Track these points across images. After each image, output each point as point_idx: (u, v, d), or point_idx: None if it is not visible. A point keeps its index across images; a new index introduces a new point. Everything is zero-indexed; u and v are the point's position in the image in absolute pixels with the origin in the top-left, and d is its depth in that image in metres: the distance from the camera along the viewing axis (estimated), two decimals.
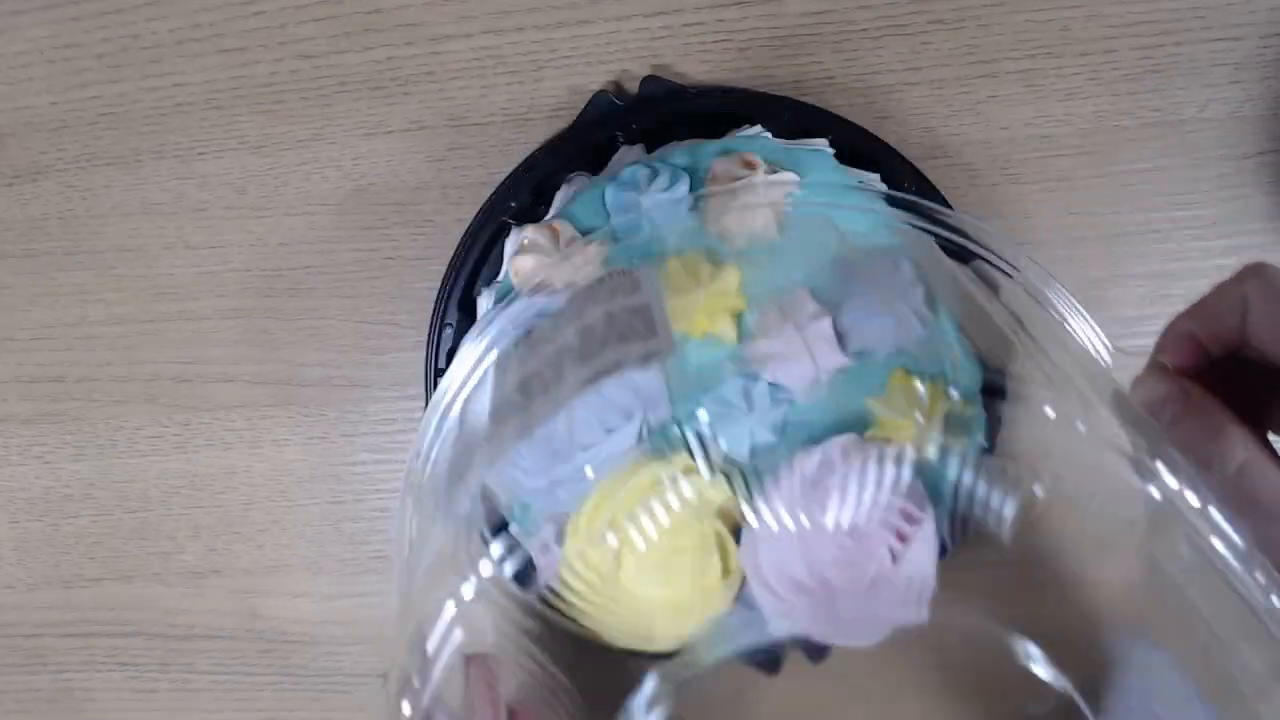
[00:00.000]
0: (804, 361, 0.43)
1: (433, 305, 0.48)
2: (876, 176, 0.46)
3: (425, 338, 0.48)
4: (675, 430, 0.45)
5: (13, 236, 0.52)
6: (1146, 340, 0.49)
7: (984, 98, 0.48)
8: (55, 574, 0.53)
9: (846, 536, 0.42)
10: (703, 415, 0.44)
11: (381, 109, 0.50)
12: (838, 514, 0.42)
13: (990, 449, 0.46)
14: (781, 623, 0.42)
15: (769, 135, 0.45)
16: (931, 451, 0.44)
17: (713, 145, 0.44)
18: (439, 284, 0.48)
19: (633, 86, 0.48)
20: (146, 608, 0.53)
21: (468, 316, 0.47)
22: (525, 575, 0.46)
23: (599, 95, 0.47)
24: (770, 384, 0.44)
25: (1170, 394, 0.32)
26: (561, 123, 0.49)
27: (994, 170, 0.49)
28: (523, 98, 0.49)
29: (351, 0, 0.49)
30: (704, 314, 0.43)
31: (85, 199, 0.51)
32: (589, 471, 0.43)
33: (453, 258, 0.47)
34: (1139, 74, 0.48)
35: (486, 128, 0.50)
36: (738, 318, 0.44)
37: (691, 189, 0.43)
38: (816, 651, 0.48)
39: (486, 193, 0.48)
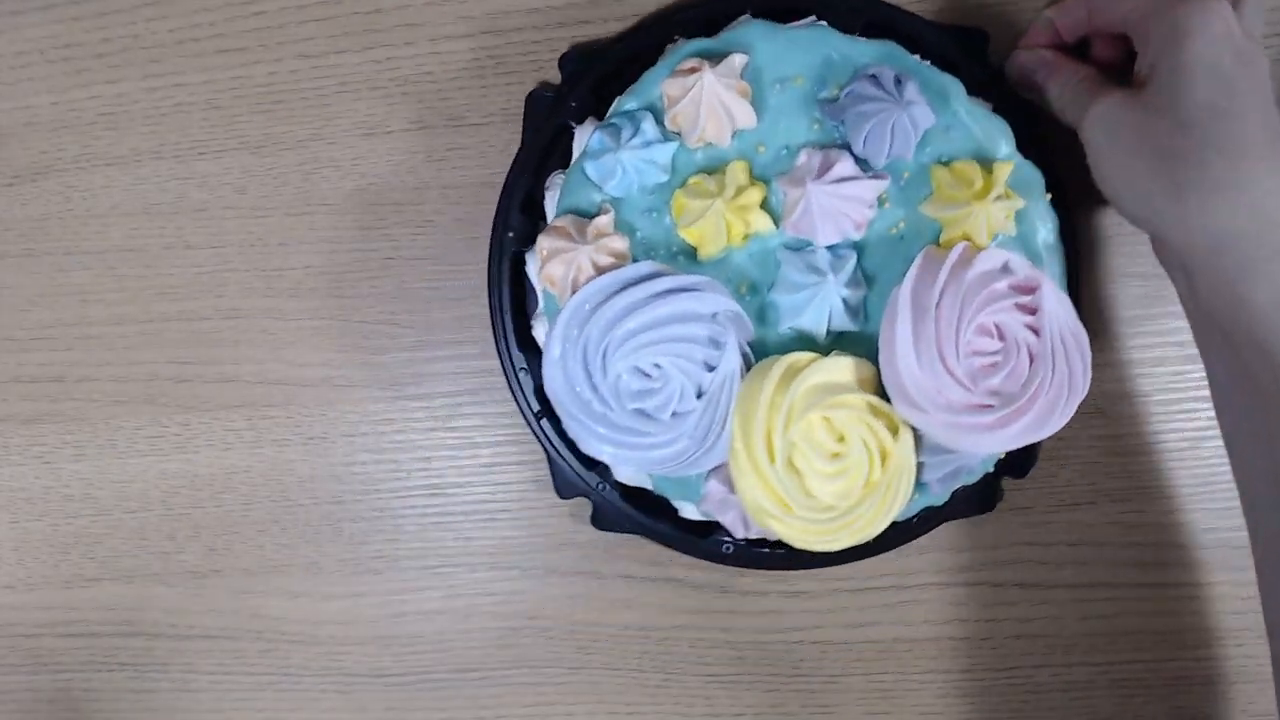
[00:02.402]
0: (846, 206, 0.42)
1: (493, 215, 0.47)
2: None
3: (484, 274, 0.47)
4: (769, 334, 0.44)
5: (13, 236, 0.52)
6: (1147, 340, 0.50)
7: None
8: (55, 574, 0.53)
9: (983, 339, 0.41)
10: (781, 305, 0.43)
11: (381, 109, 0.50)
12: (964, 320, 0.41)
13: (1051, 190, 0.44)
14: (969, 442, 0.41)
15: (699, 40, 0.44)
16: (1010, 223, 0.43)
17: (654, 74, 0.43)
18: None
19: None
20: (146, 608, 0.53)
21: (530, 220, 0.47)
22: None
23: (531, 95, 0.47)
24: (827, 247, 0.44)
25: (1041, 59, 0.45)
26: None
27: None
28: (522, 98, 0.49)
29: (351, 0, 0.49)
30: (734, 219, 0.42)
31: (85, 199, 0.51)
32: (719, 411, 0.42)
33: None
34: None
35: (486, 128, 0.50)
36: (765, 206, 0.43)
37: (658, 120, 0.43)
38: (1019, 469, 0.47)
39: (487, 194, 0.48)
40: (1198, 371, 0.49)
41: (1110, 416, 0.50)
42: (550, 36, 0.49)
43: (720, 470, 0.44)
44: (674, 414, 0.42)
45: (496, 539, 0.52)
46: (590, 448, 0.43)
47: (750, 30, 0.43)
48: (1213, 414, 0.49)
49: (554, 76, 0.49)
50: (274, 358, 0.51)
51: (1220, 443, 0.50)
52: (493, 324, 0.47)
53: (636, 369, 0.42)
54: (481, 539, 0.52)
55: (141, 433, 0.52)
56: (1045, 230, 0.43)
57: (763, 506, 0.42)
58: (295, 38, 0.50)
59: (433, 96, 0.50)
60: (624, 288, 0.42)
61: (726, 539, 0.47)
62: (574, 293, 0.42)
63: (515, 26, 0.49)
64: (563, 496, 0.48)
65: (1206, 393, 0.49)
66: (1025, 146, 0.44)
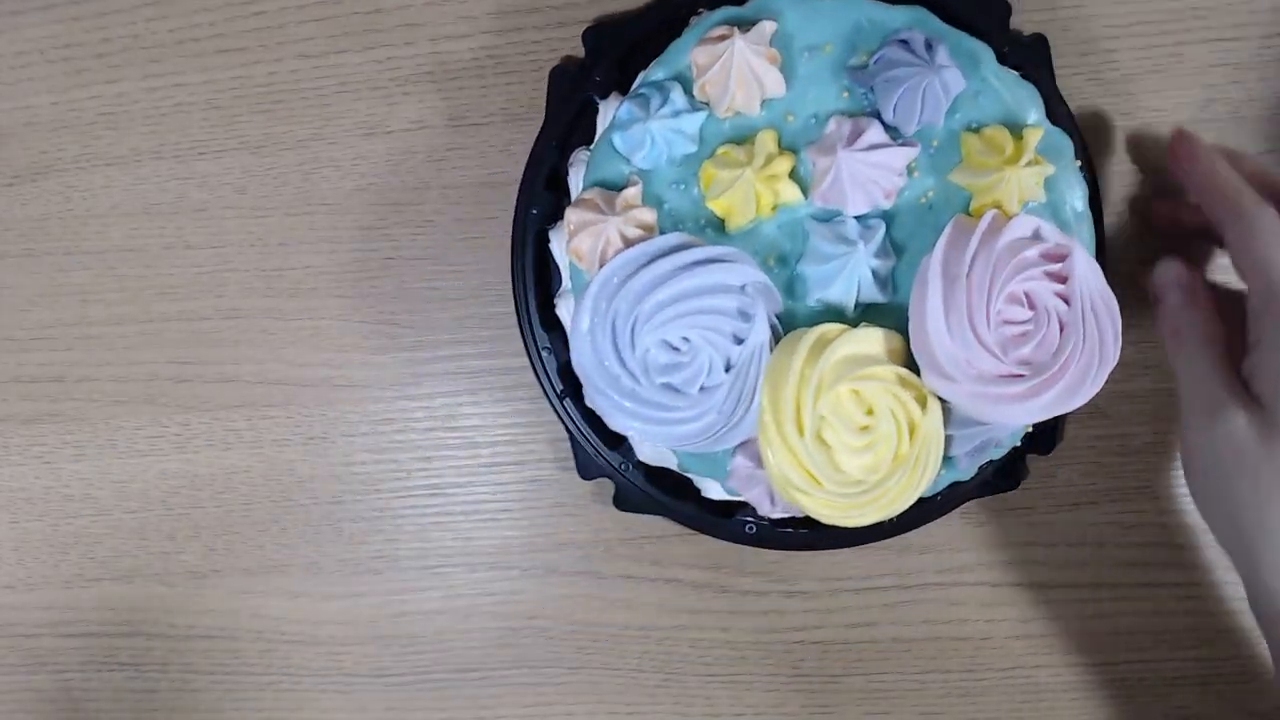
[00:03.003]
0: (876, 175, 0.42)
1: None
2: None
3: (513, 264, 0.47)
4: (798, 306, 0.44)
5: (13, 236, 0.52)
6: (1147, 340, 0.50)
7: None
8: (55, 574, 0.53)
9: (1013, 308, 0.41)
10: (809, 277, 0.43)
11: (381, 109, 0.50)
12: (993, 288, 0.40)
13: (1078, 155, 0.44)
14: (1000, 413, 0.41)
15: (728, 7, 0.44)
16: (1040, 189, 0.42)
17: (682, 43, 0.43)
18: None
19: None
20: (146, 608, 0.53)
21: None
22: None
23: (555, 70, 0.47)
24: (856, 217, 0.43)
25: (1188, 283, 0.44)
26: None
27: None
28: (523, 98, 0.49)
29: (351, 0, 0.49)
30: (763, 189, 0.42)
31: (85, 199, 0.51)
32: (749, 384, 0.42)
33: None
34: (1139, 74, 0.48)
35: (486, 128, 0.50)
36: (793, 176, 0.43)
37: (686, 90, 0.43)
38: (1044, 445, 0.47)
39: (487, 193, 0.48)
40: None
41: (1110, 416, 0.50)
42: (550, 36, 0.49)
43: (747, 446, 0.43)
44: (702, 388, 0.41)
45: (496, 539, 0.52)
46: (616, 423, 0.43)
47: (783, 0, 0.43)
48: None
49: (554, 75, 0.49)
50: (274, 358, 0.52)
51: None
52: (515, 302, 0.47)
53: (665, 342, 0.41)
54: (481, 539, 0.52)
55: (141, 433, 0.52)
56: (1075, 198, 0.43)
57: (791, 481, 0.41)
58: (295, 38, 0.50)
59: (433, 96, 0.50)
60: (652, 260, 0.41)
61: (750, 519, 0.47)
62: (602, 266, 0.42)
63: (515, 26, 0.49)
64: (585, 477, 0.48)
65: None
66: (1050, 119, 0.43)
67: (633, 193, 0.43)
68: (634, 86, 0.44)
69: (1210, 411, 0.41)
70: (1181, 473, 0.50)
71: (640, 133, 0.42)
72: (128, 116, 0.51)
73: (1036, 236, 0.41)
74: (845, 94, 0.43)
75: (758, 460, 0.43)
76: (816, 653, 0.52)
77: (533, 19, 0.49)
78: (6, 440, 0.53)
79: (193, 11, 0.50)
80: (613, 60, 0.46)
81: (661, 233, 0.43)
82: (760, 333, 0.41)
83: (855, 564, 0.51)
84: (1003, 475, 0.47)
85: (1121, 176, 0.49)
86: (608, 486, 0.48)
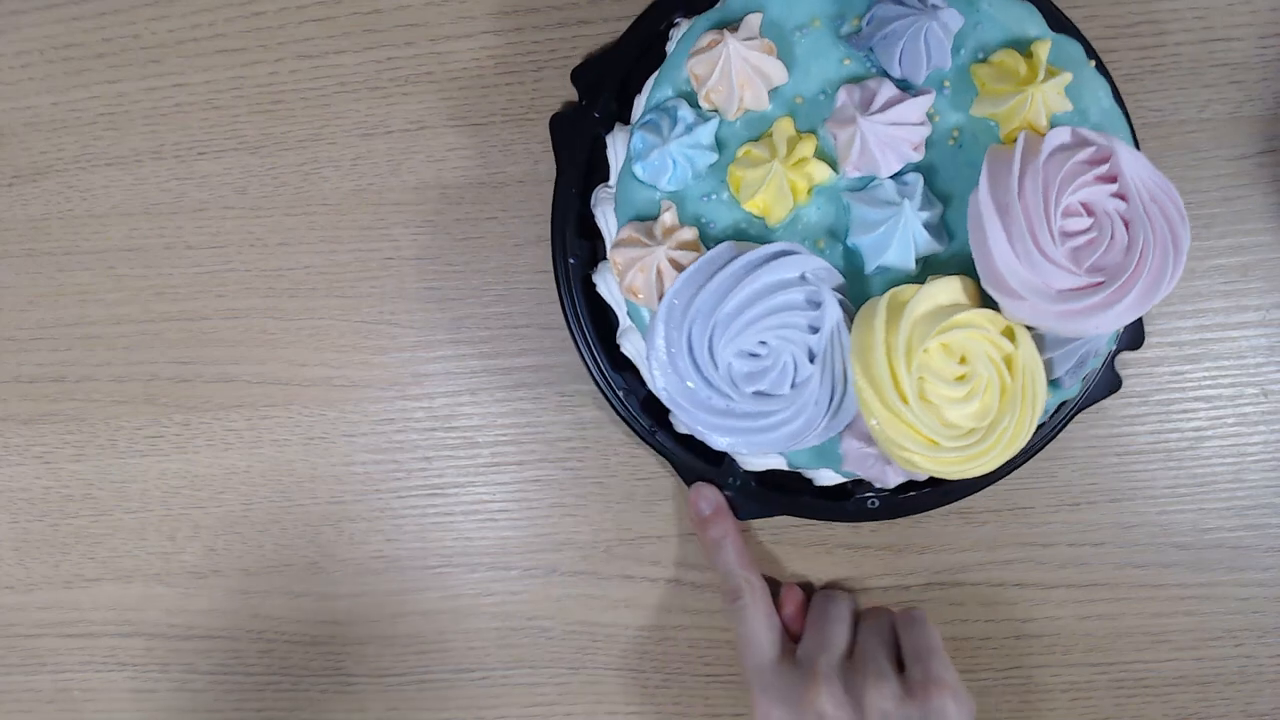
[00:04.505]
0: (899, 131, 0.42)
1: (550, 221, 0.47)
2: None
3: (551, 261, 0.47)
4: (861, 278, 0.43)
5: (13, 236, 0.52)
6: (1146, 340, 0.50)
7: None
8: (55, 574, 0.53)
9: (1073, 219, 0.40)
10: (863, 247, 0.43)
11: (381, 109, 0.50)
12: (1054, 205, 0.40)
13: (1091, 55, 0.44)
14: (1090, 325, 0.40)
15: (707, 13, 0.44)
16: (1063, 99, 0.42)
17: (674, 59, 0.43)
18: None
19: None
20: (146, 608, 0.53)
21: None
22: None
23: (555, 118, 0.47)
24: (890, 179, 0.43)
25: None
26: None
27: None
28: (523, 98, 0.49)
29: (351, 1, 0.49)
30: (795, 177, 0.42)
31: (85, 199, 0.51)
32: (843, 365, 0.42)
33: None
34: (1139, 74, 0.48)
35: (486, 128, 0.50)
36: (819, 155, 0.43)
37: (692, 104, 0.43)
38: (1134, 343, 0.48)
39: (487, 193, 0.48)
40: (1197, 371, 0.50)
41: (1110, 416, 0.50)
42: (550, 36, 0.49)
43: (852, 427, 0.43)
44: (793, 385, 0.41)
45: (496, 539, 0.52)
46: (716, 442, 0.43)
47: None
48: (1212, 413, 0.50)
49: (553, 76, 0.49)
50: (274, 358, 0.52)
51: (1220, 442, 0.50)
52: (582, 357, 0.47)
53: (744, 351, 0.41)
54: (481, 539, 0.52)
55: (141, 433, 0.52)
56: (1100, 96, 0.43)
57: (907, 448, 0.40)
58: (295, 38, 0.50)
59: (432, 97, 0.50)
60: (709, 277, 0.41)
61: (870, 494, 0.47)
62: (660, 296, 0.42)
63: (515, 27, 0.49)
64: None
65: (1206, 392, 0.50)
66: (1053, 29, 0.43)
67: (669, 217, 0.42)
68: (638, 113, 0.44)
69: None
70: (1183, 472, 0.50)
71: (660, 158, 0.42)
72: (128, 116, 0.51)
73: (1075, 144, 0.40)
74: (846, 61, 0.43)
75: (867, 438, 0.42)
76: None
77: (533, 19, 0.49)
78: (6, 440, 0.53)
79: (193, 11, 0.50)
80: (609, 92, 0.46)
81: (708, 248, 0.42)
82: (833, 315, 0.41)
83: (855, 564, 0.51)
84: (1104, 382, 0.47)
85: None
86: (610, 487, 0.48)
